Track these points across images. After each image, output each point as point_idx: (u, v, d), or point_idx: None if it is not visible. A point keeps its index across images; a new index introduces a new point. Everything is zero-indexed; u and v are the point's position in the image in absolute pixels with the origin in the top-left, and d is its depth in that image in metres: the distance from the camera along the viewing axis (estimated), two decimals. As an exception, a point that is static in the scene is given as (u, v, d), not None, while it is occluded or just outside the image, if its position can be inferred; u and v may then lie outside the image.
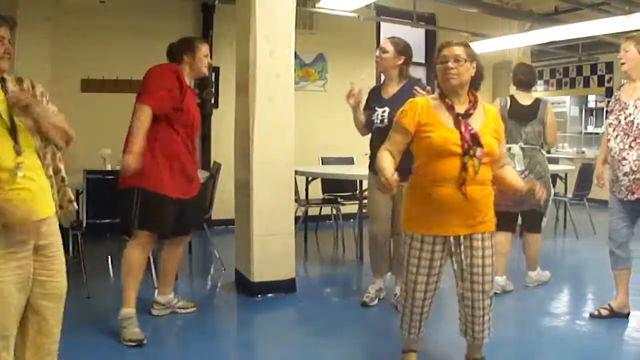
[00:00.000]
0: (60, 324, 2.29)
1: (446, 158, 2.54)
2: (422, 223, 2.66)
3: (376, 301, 3.99)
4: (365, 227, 4.18)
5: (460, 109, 2.60)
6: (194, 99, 3.64)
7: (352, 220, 6.50)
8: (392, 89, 3.84)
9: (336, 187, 6.31)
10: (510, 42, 7.17)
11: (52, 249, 2.24)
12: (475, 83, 2.65)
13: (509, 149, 4.00)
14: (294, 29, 4.21)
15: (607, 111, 3.78)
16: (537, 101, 4.38)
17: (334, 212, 6.36)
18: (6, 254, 2.07)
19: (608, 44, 7.56)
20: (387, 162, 2.58)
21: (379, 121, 3.73)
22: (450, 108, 2.60)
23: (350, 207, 6.24)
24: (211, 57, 6.77)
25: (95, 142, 4.57)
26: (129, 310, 3.27)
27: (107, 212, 4.23)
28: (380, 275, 4.07)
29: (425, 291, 2.69)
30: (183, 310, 3.75)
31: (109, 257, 5.27)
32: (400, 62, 3.81)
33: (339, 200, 6.21)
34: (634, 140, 3.44)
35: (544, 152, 4.39)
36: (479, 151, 2.51)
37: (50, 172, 2.32)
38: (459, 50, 2.56)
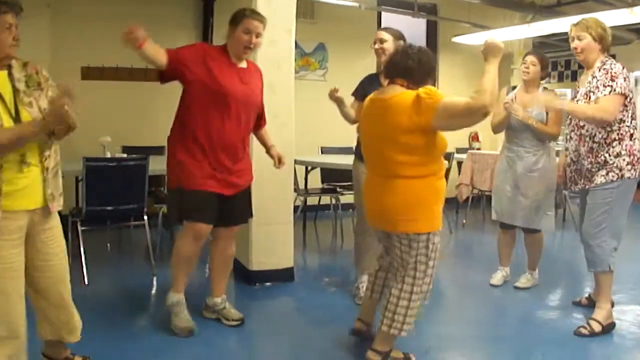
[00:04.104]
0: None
1: None
2: None
3: None
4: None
5: None
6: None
7: (351, 210, 6.50)
8: None
9: (335, 177, 6.31)
10: (511, 34, 7.13)
11: (48, 234, 2.42)
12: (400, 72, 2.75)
13: None
14: (294, 18, 4.21)
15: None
16: None
17: (333, 201, 6.37)
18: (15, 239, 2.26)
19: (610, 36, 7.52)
20: None
21: None
22: None
23: (349, 197, 6.22)
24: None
25: (95, 130, 4.55)
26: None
27: (107, 199, 4.23)
28: (366, 269, 3.89)
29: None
30: (226, 322, 3.45)
31: (108, 244, 5.30)
32: None
33: (338, 190, 6.22)
34: (572, 130, 3.43)
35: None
36: None
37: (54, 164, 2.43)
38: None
